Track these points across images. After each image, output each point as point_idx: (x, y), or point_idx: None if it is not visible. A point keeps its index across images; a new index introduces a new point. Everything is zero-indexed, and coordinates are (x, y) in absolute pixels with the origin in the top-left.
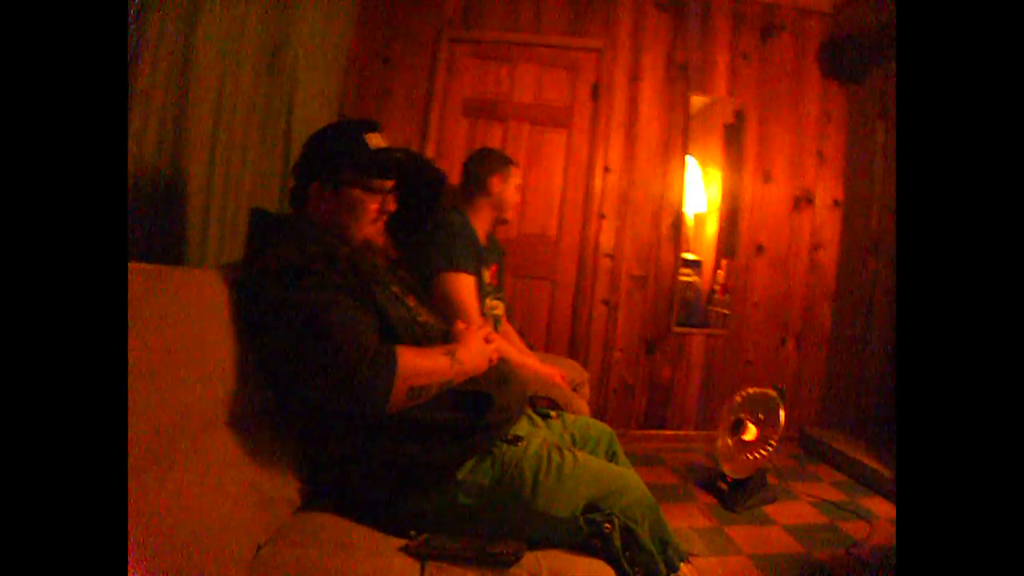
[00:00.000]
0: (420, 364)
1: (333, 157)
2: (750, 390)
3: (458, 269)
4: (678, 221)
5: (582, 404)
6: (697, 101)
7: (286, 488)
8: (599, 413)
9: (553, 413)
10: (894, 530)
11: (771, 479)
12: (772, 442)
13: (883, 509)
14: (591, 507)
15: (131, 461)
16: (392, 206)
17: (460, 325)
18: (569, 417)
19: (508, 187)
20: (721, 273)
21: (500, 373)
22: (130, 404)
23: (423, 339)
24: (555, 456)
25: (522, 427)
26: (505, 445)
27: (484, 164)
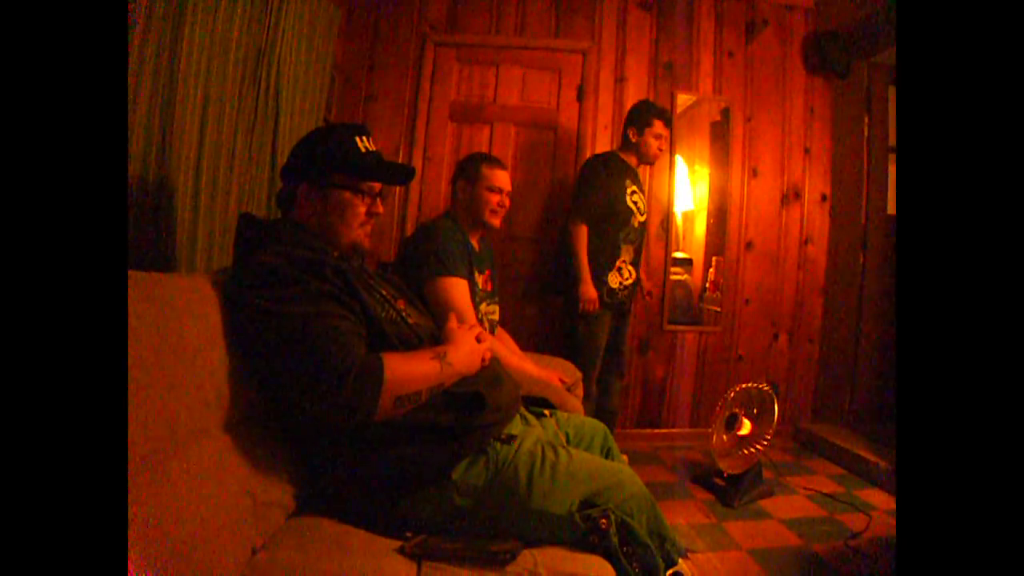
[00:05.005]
0: (408, 372)
1: (323, 159)
2: (744, 385)
3: (450, 274)
4: (667, 220)
5: (576, 403)
6: (683, 100)
7: (280, 493)
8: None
9: (547, 412)
10: (892, 521)
11: (767, 474)
12: (767, 437)
13: (880, 500)
14: (587, 503)
15: None
16: (381, 209)
17: (453, 322)
18: (563, 415)
19: (477, 190)
20: (712, 271)
21: (492, 373)
22: None
23: (414, 341)
24: (549, 454)
25: (516, 426)
26: (499, 444)
27: (456, 169)
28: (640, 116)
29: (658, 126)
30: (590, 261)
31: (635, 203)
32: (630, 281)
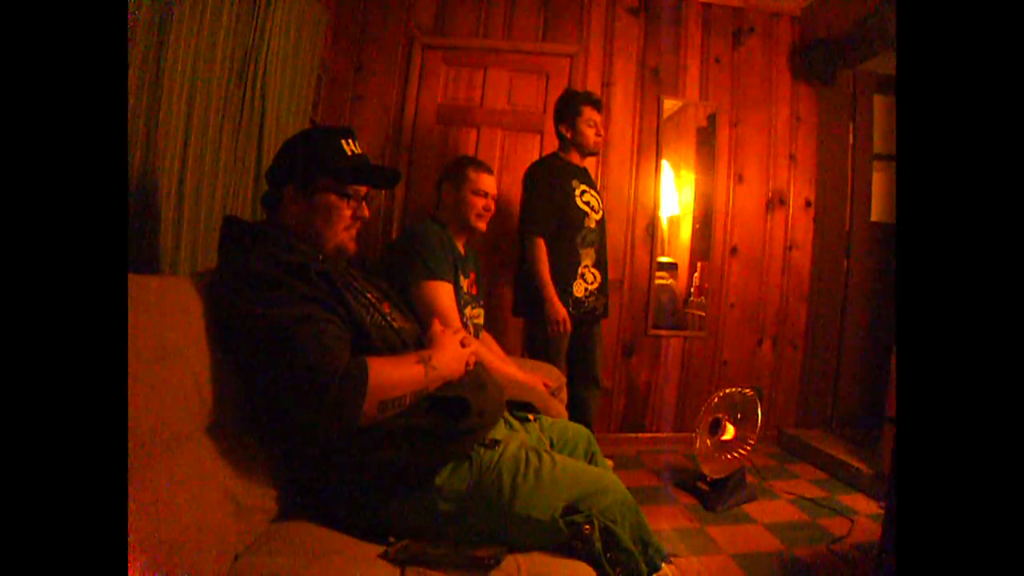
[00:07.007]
0: (392, 376)
1: (308, 162)
2: (728, 390)
3: (435, 277)
4: (652, 224)
5: (560, 408)
6: (670, 105)
7: (263, 497)
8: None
9: (531, 416)
10: (874, 526)
11: (750, 478)
12: (750, 441)
13: (863, 505)
14: (571, 509)
15: None
16: (366, 212)
17: (437, 326)
18: (547, 420)
19: (463, 194)
20: (697, 275)
21: (477, 378)
22: None
23: (398, 345)
24: (533, 459)
25: (499, 431)
26: (483, 449)
27: (442, 172)
28: (567, 108)
29: (588, 112)
30: (551, 274)
31: (587, 203)
32: (595, 285)
